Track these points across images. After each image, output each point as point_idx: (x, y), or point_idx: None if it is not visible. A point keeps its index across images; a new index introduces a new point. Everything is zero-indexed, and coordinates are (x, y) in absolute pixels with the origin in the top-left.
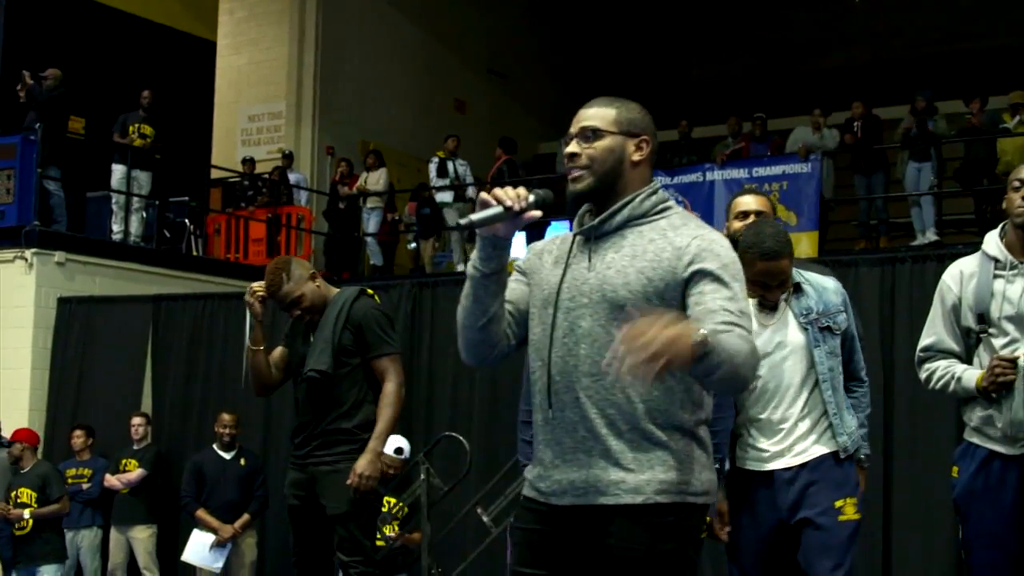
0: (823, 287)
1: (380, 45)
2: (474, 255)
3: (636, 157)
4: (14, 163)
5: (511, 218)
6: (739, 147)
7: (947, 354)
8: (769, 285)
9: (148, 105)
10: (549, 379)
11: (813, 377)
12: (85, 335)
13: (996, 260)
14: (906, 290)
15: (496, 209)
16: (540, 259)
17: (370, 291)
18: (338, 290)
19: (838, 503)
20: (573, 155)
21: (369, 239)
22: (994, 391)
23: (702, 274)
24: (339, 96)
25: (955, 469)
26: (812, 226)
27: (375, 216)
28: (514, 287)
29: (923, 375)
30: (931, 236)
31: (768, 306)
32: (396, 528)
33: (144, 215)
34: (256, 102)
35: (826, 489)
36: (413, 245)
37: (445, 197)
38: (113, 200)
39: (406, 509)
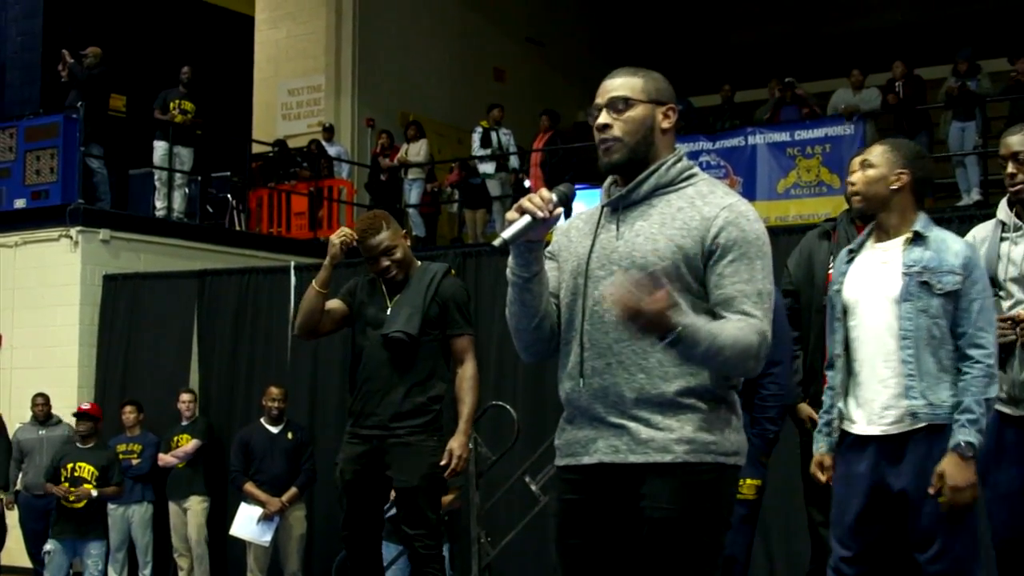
0: (945, 245)
1: (418, 15)
2: (511, 262)
3: (665, 125)
4: (57, 142)
5: (540, 225)
6: (768, 114)
7: None
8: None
9: (188, 81)
10: (581, 347)
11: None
12: (131, 312)
13: (1003, 223)
14: None
15: (525, 220)
16: (568, 236)
17: (453, 271)
18: (421, 262)
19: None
20: (605, 126)
21: (411, 210)
22: None
23: (725, 250)
24: (378, 68)
25: None
26: None
27: (416, 187)
28: (551, 275)
29: None
30: (976, 196)
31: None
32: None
33: (187, 191)
34: (295, 76)
35: (918, 467)
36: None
37: (487, 168)
38: (156, 177)
39: None
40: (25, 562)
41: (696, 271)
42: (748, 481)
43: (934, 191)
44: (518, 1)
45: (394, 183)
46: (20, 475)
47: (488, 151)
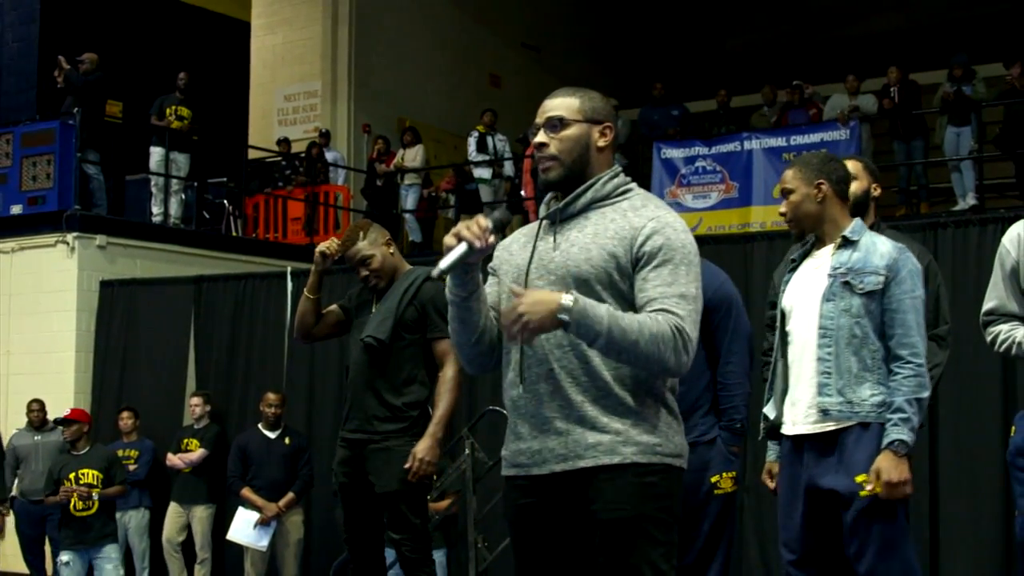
0: (875, 247)
1: (414, 21)
2: (449, 282)
3: (601, 143)
4: (53, 148)
5: (477, 252)
6: (775, 118)
7: (1010, 317)
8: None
9: (184, 87)
10: (522, 354)
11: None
12: (128, 317)
13: None
14: (948, 256)
15: (462, 248)
16: (508, 251)
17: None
18: (411, 267)
19: (859, 477)
20: (542, 145)
21: (407, 215)
22: None
23: (649, 256)
24: (374, 73)
25: (1013, 429)
26: None
27: (413, 193)
28: (491, 291)
29: (988, 339)
30: (971, 201)
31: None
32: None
33: (183, 197)
34: (291, 81)
35: (842, 464)
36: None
37: (483, 173)
38: (152, 183)
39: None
40: (22, 567)
41: (628, 278)
42: (725, 474)
43: (929, 196)
44: (514, 7)
45: (390, 188)
46: (16, 481)
47: (485, 156)
